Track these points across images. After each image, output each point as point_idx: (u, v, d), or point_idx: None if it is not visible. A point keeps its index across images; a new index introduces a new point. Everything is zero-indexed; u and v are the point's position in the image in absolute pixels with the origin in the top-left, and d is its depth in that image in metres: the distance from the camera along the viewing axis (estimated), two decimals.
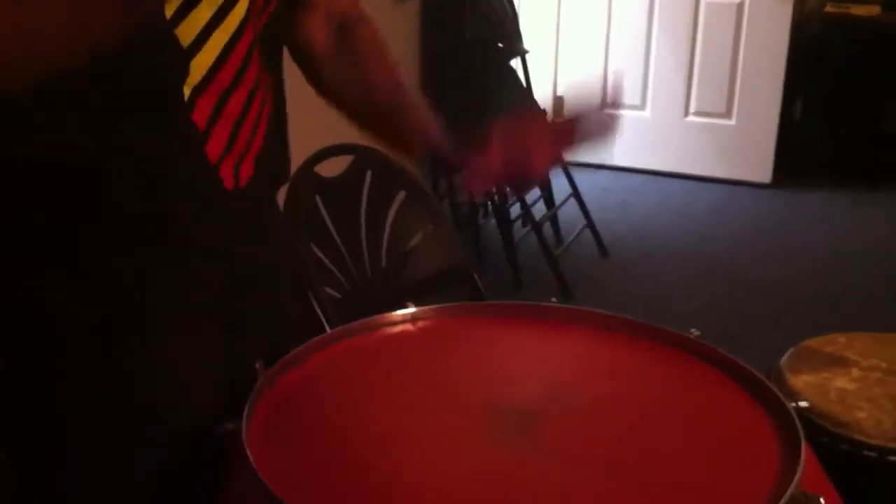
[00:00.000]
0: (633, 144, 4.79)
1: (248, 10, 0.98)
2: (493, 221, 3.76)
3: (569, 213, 4.00)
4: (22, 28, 0.78)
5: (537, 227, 3.59)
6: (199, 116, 0.96)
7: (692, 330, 1.12)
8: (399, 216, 2.04)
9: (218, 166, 0.99)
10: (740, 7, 4.50)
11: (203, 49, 0.94)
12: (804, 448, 0.88)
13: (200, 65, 0.95)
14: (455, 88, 3.49)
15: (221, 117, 0.98)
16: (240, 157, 1.02)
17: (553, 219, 3.94)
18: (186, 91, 0.94)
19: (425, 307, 1.20)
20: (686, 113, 4.75)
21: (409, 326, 1.18)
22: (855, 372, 1.67)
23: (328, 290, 1.87)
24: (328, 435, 0.95)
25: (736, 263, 3.85)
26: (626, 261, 3.84)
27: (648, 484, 0.88)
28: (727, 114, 4.68)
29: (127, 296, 0.98)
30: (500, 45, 3.65)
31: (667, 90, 4.74)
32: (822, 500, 0.81)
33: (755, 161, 4.65)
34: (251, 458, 0.85)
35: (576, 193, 3.96)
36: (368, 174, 2.01)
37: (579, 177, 4.10)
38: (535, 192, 3.90)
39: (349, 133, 1.84)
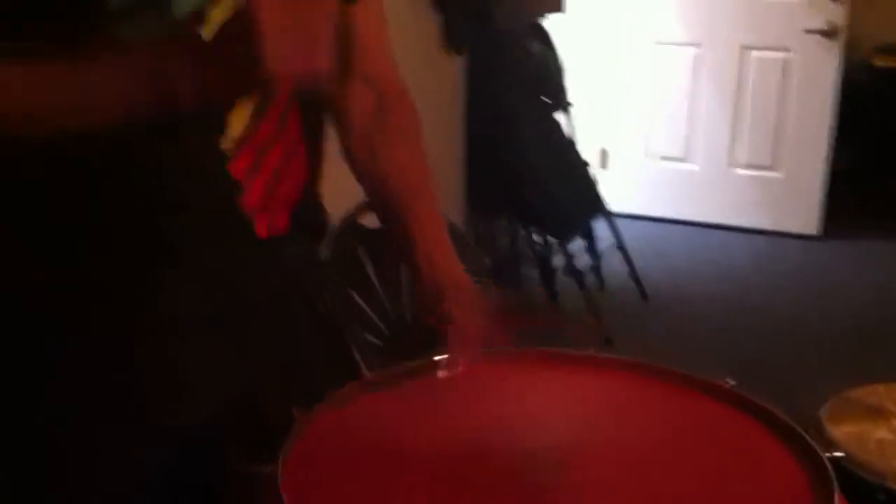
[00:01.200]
0: (677, 196, 4.79)
1: None
2: (535, 271, 3.78)
3: (610, 261, 4.00)
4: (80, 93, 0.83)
5: (579, 276, 3.59)
6: (240, 166, 0.99)
7: (728, 379, 1.12)
8: None
9: (252, 214, 1.03)
10: (787, 60, 4.51)
11: (236, 107, 0.98)
12: (837, 499, 0.88)
13: (239, 117, 0.98)
14: (499, 140, 3.53)
15: (261, 168, 1.02)
16: (276, 209, 1.05)
17: (597, 270, 3.94)
18: (222, 142, 0.98)
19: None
20: (732, 164, 4.74)
21: (443, 373, 1.19)
22: (895, 422, 1.65)
23: (369, 336, 1.89)
24: (360, 484, 0.96)
25: (780, 313, 3.83)
26: (667, 309, 3.84)
27: None
28: (774, 166, 4.67)
29: (152, 313, 1.01)
30: (545, 98, 3.69)
31: (713, 142, 4.75)
32: None
33: (802, 212, 4.64)
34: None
35: (619, 242, 3.97)
36: None
37: (622, 227, 4.11)
38: (577, 242, 3.92)
39: None
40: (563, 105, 3.82)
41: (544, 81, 3.68)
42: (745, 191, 4.74)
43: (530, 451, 1.00)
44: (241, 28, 0.81)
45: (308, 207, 1.15)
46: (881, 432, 1.63)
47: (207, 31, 0.92)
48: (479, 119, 3.57)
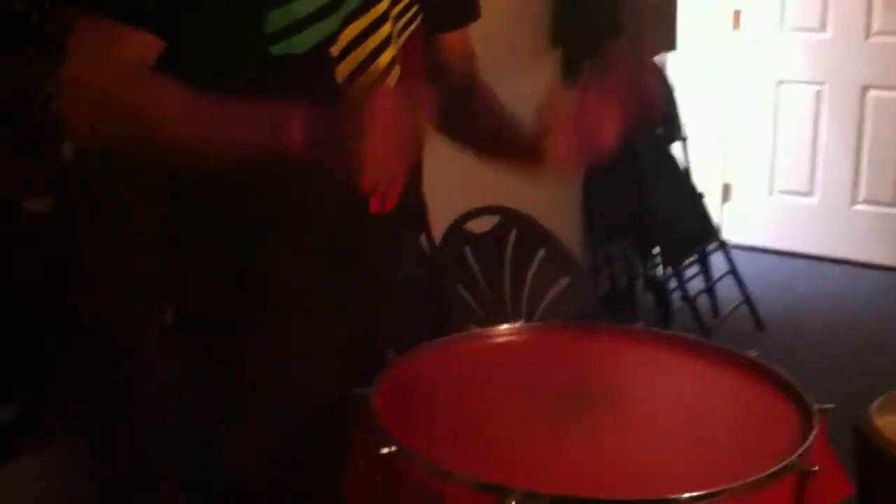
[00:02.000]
0: (798, 229, 4.90)
1: (398, 80, 1.30)
2: (650, 296, 3.97)
3: (727, 291, 4.16)
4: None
5: (691, 300, 3.77)
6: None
7: (752, 351, 1.35)
8: (540, 270, 2.32)
9: (368, 194, 1.31)
10: None
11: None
12: (816, 435, 1.09)
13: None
14: (615, 169, 3.75)
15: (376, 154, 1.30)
16: (386, 189, 1.34)
17: (710, 293, 4.10)
18: None
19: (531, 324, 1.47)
20: (854, 201, 4.82)
21: (514, 337, 1.46)
22: None
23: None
24: (440, 407, 1.23)
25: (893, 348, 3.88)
26: (783, 338, 3.95)
27: (688, 445, 1.12)
28: (895, 202, 4.72)
29: (284, 290, 1.30)
30: (659, 130, 3.90)
31: (833, 177, 4.84)
32: (815, 468, 1.03)
33: None
34: (374, 409, 1.13)
35: (733, 270, 4.12)
36: (514, 232, 2.31)
37: (741, 258, 4.27)
38: (692, 269, 4.10)
39: (497, 197, 2.15)
40: (679, 137, 4.02)
41: (659, 115, 3.89)
42: (865, 226, 4.80)
43: (587, 392, 1.25)
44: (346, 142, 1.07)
45: (411, 195, 1.43)
46: None
47: (336, 50, 1.23)
48: None
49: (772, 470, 1.01)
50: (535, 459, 1.10)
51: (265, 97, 1.15)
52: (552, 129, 1.27)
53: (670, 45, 3.92)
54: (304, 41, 1.21)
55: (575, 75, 3.58)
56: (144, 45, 1.18)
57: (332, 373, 1.30)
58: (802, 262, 4.91)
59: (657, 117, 1.12)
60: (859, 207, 4.83)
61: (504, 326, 1.45)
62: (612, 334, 1.45)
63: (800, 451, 1.05)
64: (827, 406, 1.18)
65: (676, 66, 4.57)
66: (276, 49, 1.20)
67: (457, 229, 2.19)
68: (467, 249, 2.23)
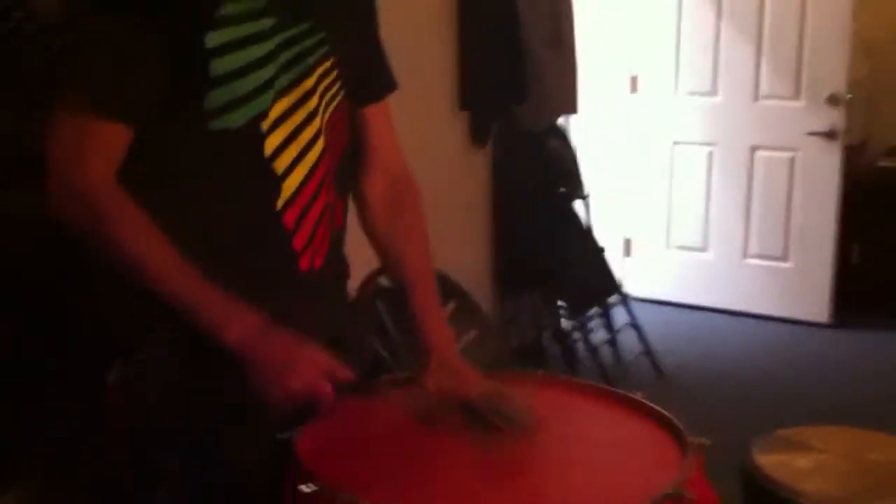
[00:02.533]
0: (695, 283, 5.15)
1: (323, 150, 1.44)
2: (556, 346, 4.13)
3: (628, 341, 4.35)
4: None
5: (594, 350, 3.95)
6: (289, 220, 1.41)
7: (639, 393, 1.50)
8: (450, 322, 2.45)
9: (300, 254, 1.44)
10: (792, 160, 4.89)
11: (290, 175, 1.40)
12: (689, 460, 1.24)
13: (289, 185, 1.40)
14: (522, 226, 3.93)
15: (304, 222, 1.43)
16: (315, 250, 1.46)
17: (613, 344, 4.28)
18: (279, 203, 1.39)
19: None
20: (745, 255, 5.09)
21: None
22: (814, 456, 1.99)
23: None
24: (362, 448, 1.35)
25: (790, 394, 4.07)
26: (682, 387, 4.13)
27: (583, 477, 1.26)
28: (784, 257, 5.00)
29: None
30: (563, 189, 4.10)
31: (727, 233, 5.10)
32: (693, 496, 1.17)
33: (812, 301, 4.94)
34: (297, 450, 1.25)
35: (633, 322, 4.32)
36: None
37: (642, 310, 4.48)
38: (597, 322, 4.28)
39: None
40: (580, 195, 4.22)
41: (562, 174, 4.09)
42: (757, 279, 5.07)
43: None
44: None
45: (336, 253, 1.56)
46: (801, 462, 1.97)
47: (266, 125, 1.36)
48: (505, 206, 3.97)
49: (654, 497, 1.16)
50: (448, 492, 1.23)
51: (201, 171, 1.30)
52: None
53: (572, 108, 4.13)
54: (238, 117, 1.35)
55: (483, 137, 3.77)
56: (117, 136, 1.32)
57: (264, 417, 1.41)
58: (700, 314, 5.15)
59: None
60: (751, 261, 5.09)
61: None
62: (518, 380, 1.59)
63: (677, 481, 1.19)
64: (703, 441, 1.33)
65: (578, 127, 4.81)
66: (214, 124, 1.34)
67: (370, 283, 2.31)
68: (379, 303, 2.35)
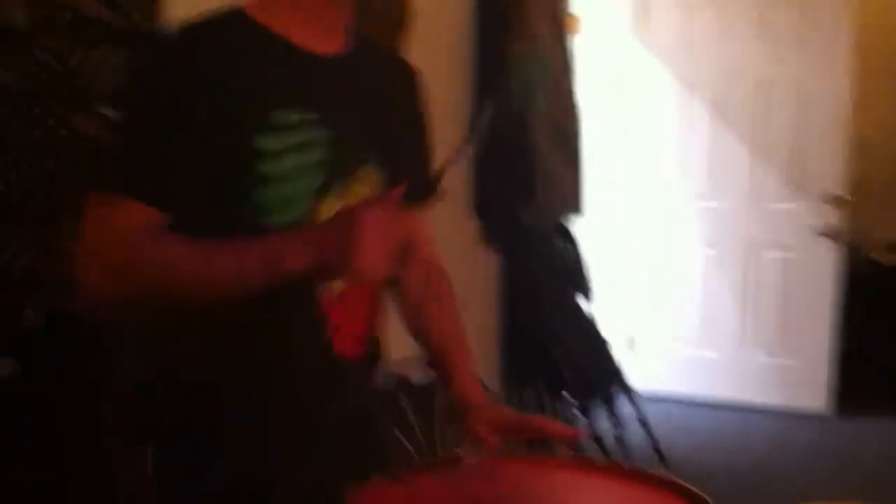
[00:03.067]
0: (697, 377, 5.32)
1: None
2: None
3: (634, 434, 4.48)
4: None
5: (599, 439, 4.09)
6: (333, 315, 1.55)
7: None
8: None
9: (336, 341, 1.58)
10: (790, 258, 5.11)
11: None
12: None
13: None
14: (529, 321, 4.11)
15: (342, 309, 1.58)
16: (352, 338, 1.60)
17: (617, 435, 4.40)
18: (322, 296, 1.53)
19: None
20: (745, 349, 5.26)
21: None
22: None
23: None
24: None
25: (793, 485, 4.17)
26: (687, 478, 4.23)
27: None
28: (783, 351, 5.17)
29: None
30: (568, 285, 4.29)
31: (727, 329, 5.28)
32: None
33: (812, 393, 5.09)
34: None
35: (638, 413, 4.46)
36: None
37: (648, 405, 4.63)
38: (602, 414, 4.42)
39: None
40: (585, 291, 4.40)
41: (567, 271, 4.28)
42: (757, 373, 5.23)
43: None
44: (338, 238, 1.31)
45: (372, 341, 1.72)
46: None
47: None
48: (513, 303, 4.16)
49: None
50: None
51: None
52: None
53: (578, 208, 4.34)
54: (286, 216, 1.45)
55: (492, 237, 3.97)
56: (150, 216, 1.38)
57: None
58: (702, 408, 5.29)
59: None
60: (751, 356, 5.27)
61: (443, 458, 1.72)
62: (539, 463, 1.73)
63: None
64: None
65: (582, 228, 5.02)
66: (262, 220, 1.43)
67: (397, 378, 2.48)
68: (403, 398, 2.52)
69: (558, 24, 4.08)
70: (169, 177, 1.39)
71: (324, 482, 1.52)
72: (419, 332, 1.76)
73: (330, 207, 1.48)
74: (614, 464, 1.67)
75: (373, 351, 1.73)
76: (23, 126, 1.85)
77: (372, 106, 1.59)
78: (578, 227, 4.90)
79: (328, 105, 1.49)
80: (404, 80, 1.74)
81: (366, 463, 1.62)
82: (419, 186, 1.72)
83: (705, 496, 1.49)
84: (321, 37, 1.51)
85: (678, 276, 5.39)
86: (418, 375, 2.59)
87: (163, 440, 1.58)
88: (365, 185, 1.56)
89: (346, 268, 1.28)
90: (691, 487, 1.55)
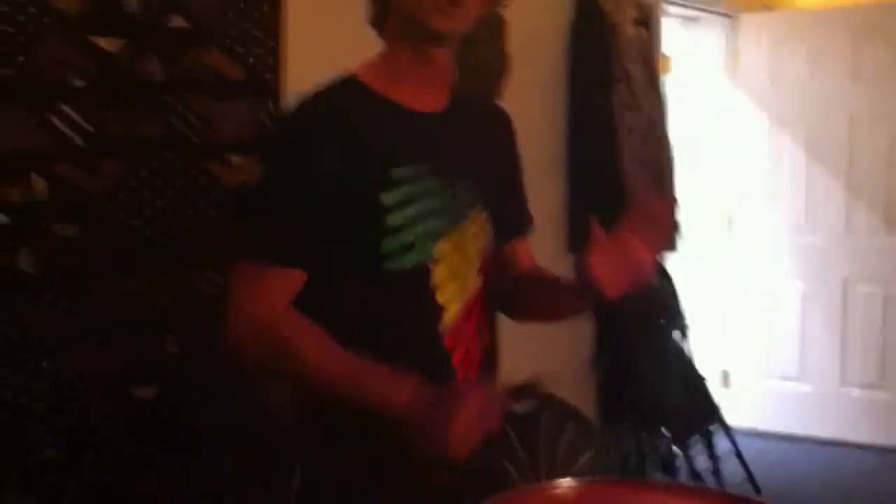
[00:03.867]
0: (793, 413, 5.30)
1: (479, 284, 1.74)
2: (659, 473, 4.31)
3: (729, 469, 4.50)
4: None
5: (698, 475, 4.12)
6: (448, 342, 1.70)
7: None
8: (567, 444, 2.70)
9: (456, 369, 1.72)
10: (887, 293, 5.10)
11: (450, 305, 1.68)
12: None
13: (449, 314, 1.69)
14: (624, 357, 4.18)
15: (460, 342, 1.72)
16: (468, 365, 1.74)
17: (715, 470, 4.44)
18: (440, 327, 1.68)
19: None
20: (843, 384, 5.24)
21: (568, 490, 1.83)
22: None
23: None
24: None
25: None
26: None
27: None
28: (883, 385, 5.14)
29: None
30: (662, 320, 4.35)
31: (824, 364, 5.27)
32: None
33: None
34: None
35: (735, 449, 4.48)
36: (547, 412, 2.71)
37: (742, 439, 4.64)
38: (699, 450, 4.46)
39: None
40: (680, 327, 4.46)
41: (663, 307, 4.35)
42: (856, 409, 5.19)
43: None
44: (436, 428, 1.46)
45: (485, 367, 1.84)
46: None
47: (432, 264, 1.64)
48: (608, 339, 4.24)
49: None
50: None
51: (377, 301, 1.59)
52: (593, 272, 1.61)
53: (671, 245, 4.41)
54: (409, 260, 1.62)
55: None
56: (294, 278, 1.58)
57: None
58: (799, 444, 5.26)
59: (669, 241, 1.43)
60: (849, 391, 5.23)
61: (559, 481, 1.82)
62: (647, 487, 1.82)
63: None
64: None
65: (676, 264, 5.08)
66: (389, 265, 1.61)
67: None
68: (509, 428, 2.62)
69: (650, 66, 4.18)
70: (307, 240, 1.56)
71: None
72: (517, 300, 1.87)
73: (444, 248, 1.65)
74: (705, 488, 1.77)
75: (487, 377, 1.85)
76: (167, 176, 2.03)
77: (474, 153, 1.75)
78: (673, 263, 4.98)
79: (437, 157, 1.66)
80: (500, 126, 1.90)
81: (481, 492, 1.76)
82: (519, 221, 1.88)
83: None
84: (425, 97, 1.68)
85: (772, 310, 5.40)
86: (522, 406, 2.69)
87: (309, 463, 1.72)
88: (474, 225, 1.72)
89: (440, 437, 1.46)
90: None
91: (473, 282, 1.73)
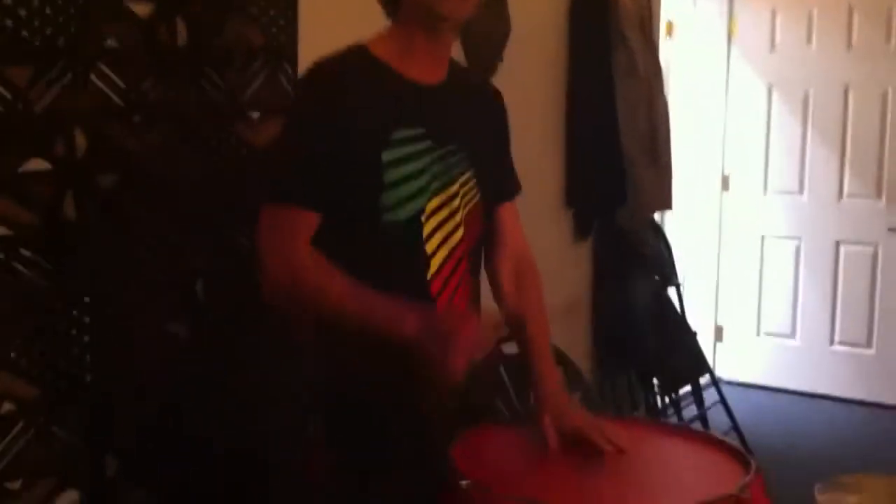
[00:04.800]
0: (783, 367, 5.51)
1: (461, 237, 1.93)
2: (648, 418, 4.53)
3: (718, 420, 4.72)
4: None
5: (683, 422, 4.35)
6: (434, 288, 1.90)
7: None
8: None
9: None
10: (874, 254, 5.30)
11: (437, 255, 1.90)
12: (751, 475, 1.69)
13: (435, 262, 1.90)
14: (620, 311, 4.39)
15: (445, 290, 1.92)
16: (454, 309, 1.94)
17: (703, 421, 4.66)
18: (428, 275, 1.89)
19: None
20: (830, 341, 5.45)
21: None
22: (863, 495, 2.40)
23: None
24: (503, 459, 1.83)
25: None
26: (769, 462, 4.42)
27: (665, 487, 1.72)
28: (867, 343, 5.35)
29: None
30: (657, 277, 4.56)
31: (813, 321, 5.48)
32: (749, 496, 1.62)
33: (893, 386, 5.27)
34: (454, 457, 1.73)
35: (723, 401, 4.70)
36: None
37: (732, 392, 4.86)
38: (689, 400, 4.68)
39: None
40: (674, 283, 4.66)
41: (657, 264, 4.55)
42: (842, 365, 5.41)
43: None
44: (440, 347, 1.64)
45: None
46: (850, 500, 2.38)
47: (424, 218, 1.85)
48: (604, 294, 4.44)
49: (719, 495, 1.61)
50: (563, 493, 1.70)
51: (375, 248, 1.80)
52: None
53: (667, 204, 4.60)
54: (404, 212, 1.83)
55: (585, 232, 4.26)
56: (310, 220, 1.79)
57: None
58: (787, 397, 5.49)
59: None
60: (836, 348, 5.45)
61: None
62: (617, 420, 2.05)
63: (740, 484, 1.65)
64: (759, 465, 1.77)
65: (672, 222, 5.28)
66: (386, 217, 1.82)
67: (495, 350, 2.80)
68: (502, 368, 2.84)
69: (647, 31, 4.34)
70: (322, 186, 1.78)
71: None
72: (509, 317, 2.07)
73: (434, 204, 1.86)
74: (684, 426, 1.99)
75: None
76: (197, 134, 2.23)
77: (466, 123, 1.96)
78: (670, 221, 5.18)
79: (433, 124, 1.88)
80: (490, 100, 2.11)
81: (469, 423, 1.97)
82: (506, 186, 2.08)
83: (750, 457, 1.81)
84: (427, 70, 1.90)
85: (766, 269, 5.61)
86: (512, 347, 2.91)
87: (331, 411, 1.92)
88: (463, 185, 1.93)
89: (441, 360, 1.64)
90: (740, 448, 1.86)
91: (458, 235, 1.92)
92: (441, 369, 1.65)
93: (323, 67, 1.83)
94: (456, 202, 1.91)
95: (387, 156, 1.81)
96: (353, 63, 1.84)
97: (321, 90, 1.82)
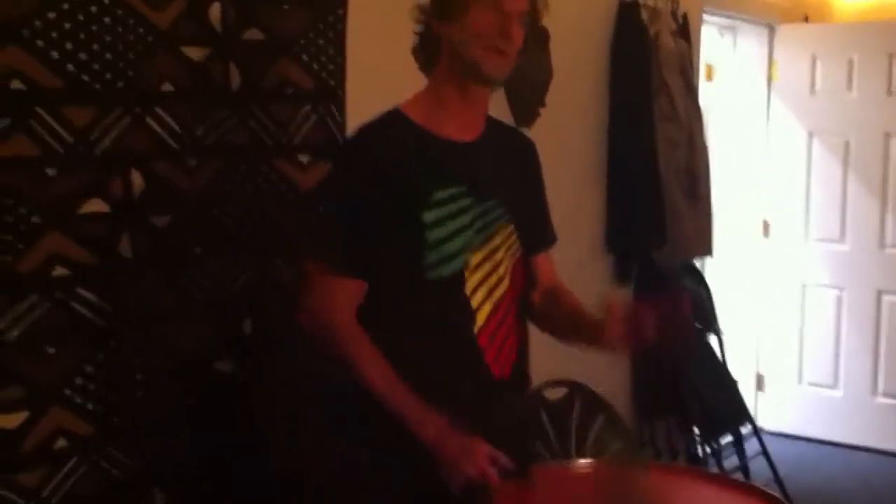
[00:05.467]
0: (824, 418, 5.45)
1: (506, 289, 1.96)
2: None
3: (759, 471, 4.66)
4: None
5: (723, 471, 4.30)
6: (482, 341, 1.93)
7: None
8: (598, 433, 2.92)
9: (490, 366, 1.94)
10: None
11: (482, 308, 1.92)
12: None
13: (481, 315, 1.92)
14: (660, 357, 4.36)
15: (493, 341, 1.94)
16: (503, 364, 1.97)
17: (744, 471, 4.61)
18: (475, 328, 1.92)
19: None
20: (873, 392, 5.38)
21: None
22: None
23: None
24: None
25: None
26: None
27: None
28: None
29: None
30: (698, 325, 4.53)
31: (856, 372, 5.39)
32: None
33: None
34: None
35: (764, 451, 4.65)
36: (578, 401, 2.92)
37: (773, 443, 4.80)
38: (730, 450, 4.63)
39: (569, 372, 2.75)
40: (715, 331, 4.64)
41: (697, 311, 4.53)
42: (885, 417, 5.32)
43: None
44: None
45: (520, 366, 2.06)
46: None
47: (467, 273, 1.89)
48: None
49: None
50: None
51: (421, 306, 1.86)
52: (610, 322, 1.90)
53: (708, 251, 4.59)
54: (448, 269, 1.88)
55: (625, 276, 4.26)
56: (357, 289, 1.86)
57: None
58: (829, 449, 5.40)
59: (688, 338, 1.70)
60: (880, 399, 5.37)
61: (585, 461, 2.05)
62: (662, 471, 2.04)
63: None
64: None
65: (713, 269, 5.26)
66: (430, 275, 1.87)
67: (538, 395, 2.81)
68: (543, 413, 2.84)
69: (688, 76, 4.36)
70: (368, 254, 1.84)
71: None
72: (543, 293, 2.12)
73: (476, 259, 1.92)
74: (721, 475, 1.98)
75: (520, 376, 2.07)
76: (246, 174, 2.28)
77: (503, 176, 2.02)
78: (710, 268, 5.15)
79: (471, 180, 1.93)
80: (526, 152, 2.16)
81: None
82: (542, 237, 2.12)
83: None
84: (463, 128, 1.96)
85: (806, 318, 5.54)
86: (554, 394, 2.91)
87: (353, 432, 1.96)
88: (503, 237, 1.98)
89: (447, 473, 1.76)
90: (782, 500, 1.84)
91: (503, 287, 1.96)
92: (447, 479, 1.74)
93: (360, 134, 1.91)
94: (499, 255, 1.96)
95: (428, 216, 1.87)
96: (390, 129, 1.91)
97: (363, 159, 1.88)
